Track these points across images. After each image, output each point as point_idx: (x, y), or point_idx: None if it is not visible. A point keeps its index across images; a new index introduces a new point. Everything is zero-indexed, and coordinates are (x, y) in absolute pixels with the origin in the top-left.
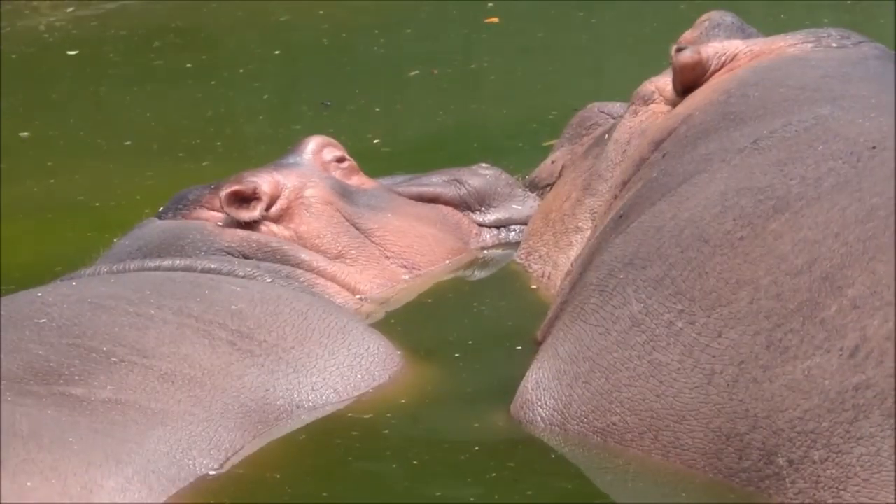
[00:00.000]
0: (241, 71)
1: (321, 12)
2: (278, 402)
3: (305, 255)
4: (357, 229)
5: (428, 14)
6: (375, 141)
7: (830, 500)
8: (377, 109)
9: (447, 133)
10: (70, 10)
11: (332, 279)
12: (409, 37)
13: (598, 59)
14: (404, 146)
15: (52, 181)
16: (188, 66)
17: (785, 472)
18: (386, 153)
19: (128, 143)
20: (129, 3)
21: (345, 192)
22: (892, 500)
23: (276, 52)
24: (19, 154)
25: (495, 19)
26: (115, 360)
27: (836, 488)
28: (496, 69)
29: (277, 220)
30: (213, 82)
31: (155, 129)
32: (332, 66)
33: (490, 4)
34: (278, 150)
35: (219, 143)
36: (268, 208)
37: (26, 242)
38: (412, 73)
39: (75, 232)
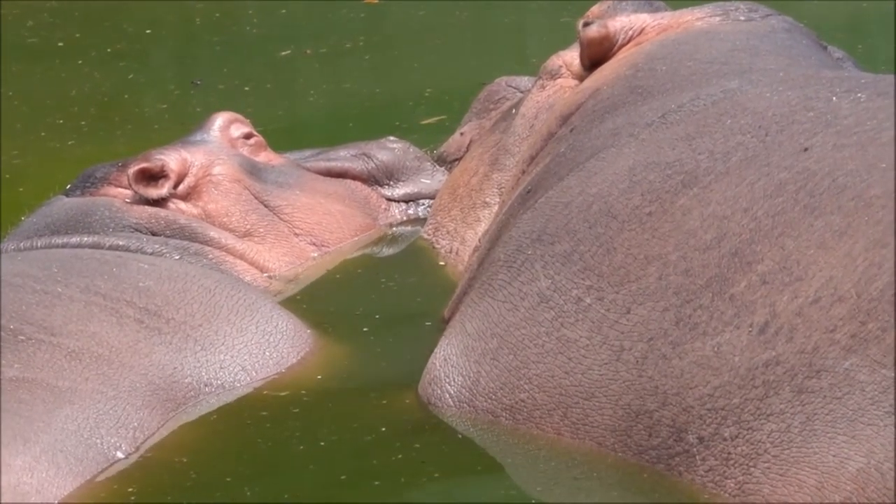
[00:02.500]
0: (109, 50)
1: None
2: (186, 380)
3: (214, 233)
4: (265, 207)
5: None
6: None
7: (741, 477)
8: (246, 89)
9: (319, 113)
10: None
11: (241, 256)
12: (284, 17)
13: (477, 39)
14: (275, 125)
15: None
16: (59, 44)
17: (695, 449)
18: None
19: None
20: None
21: (253, 170)
22: (804, 478)
23: (147, 31)
24: None
25: (374, 0)
26: (21, 338)
27: (747, 465)
28: (371, 49)
29: (185, 197)
30: (79, 61)
31: (19, 108)
32: (202, 45)
33: None
34: (144, 129)
35: (83, 123)
36: (175, 186)
37: None
38: (284, 53)
39: None
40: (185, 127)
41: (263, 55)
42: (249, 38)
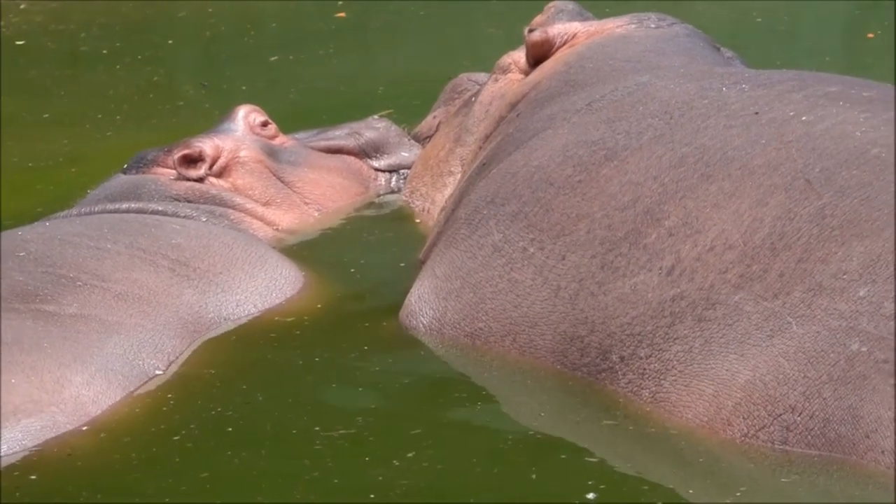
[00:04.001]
0: (139, 57)
1: (210, 10)
2: (209, 316)
3: (239, 200)
4: (281, 181)
5: (291, 11)
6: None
7: (653, 388)
8: (244, 88)
9: (300, 107)
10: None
11: (260, 219)
12: (273, 30)
13: (416, 46)
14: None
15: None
16: (104, 52)
17: (617, 366)
18: None
19: (46, 115)
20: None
21: (270, 152)
22: (703, 388)
23: (169, 42)
24: None
25: (343, 14)
26: (79, 283)
27: (658, 379)
28: (339, 55)
29: (218, 175)
30: (117, 66)
31: (68, 105)
32: (210, 54)
33: (340, 3)
34: (165, 121)
35: (118, 117)
36: (210, 167)
37: None
38: (272, 59)
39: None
40: (197, 120)
41: (256, 61)
42: (246, 48)
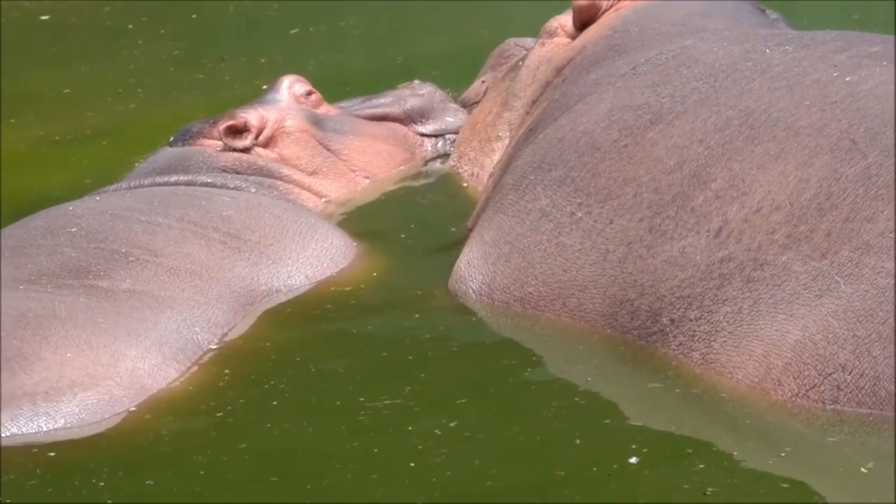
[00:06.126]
0: (162, 31)
1: None
2: (261, 288)
3: (286, 170)
4: (328, 150)
5: None
6: (263, 87)
7: (703, 350)
8: (263, 61)
9: (319, 79)
10: None
11: (308, 189)
12: (294, 3)
13: (430, 15)
14: None
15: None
16: (129, 26)
17: (668, 328)
18: None
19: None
20: None
21: (316, 121)
22: (753, 349)
23: (193, 16)
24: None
25: None
26: (131, 258)
27: (708, 340)
28: (358, 27)
29: (265, 146)
30: (139, 41)
31: (91, 80)
32: (230, 27)
33: None
34: (185, 94)
35: (140, 90)
36: (256, 137)
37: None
38: (293, 31)
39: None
40: (217, 91)
41: (276, 34)
42: (266, 21)
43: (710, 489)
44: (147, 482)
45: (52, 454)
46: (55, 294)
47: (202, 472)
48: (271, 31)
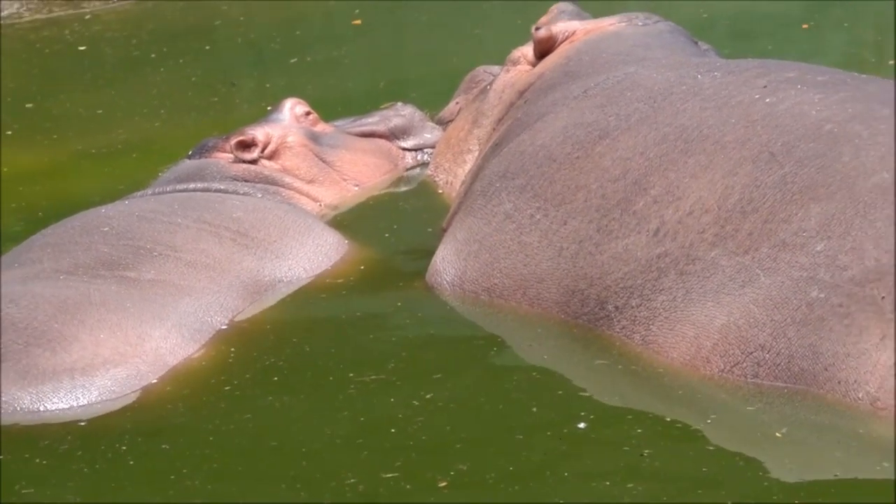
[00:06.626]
0: (181, 61)
1: (241, 19)
2: (266, 279)
3: (288, 179)
4: (323, 162)
5: (312, 19)
6: (268, 108)
7: (643, 332)
8: (267, 86)
9: (316, 101)
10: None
11: (305, 195)
12: (296, 36)
13: (411, 46)
14: None
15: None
16: (152, 56)
17: (613, 314)
18: None
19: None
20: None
21: (313, 137)
22: (685, 331)
23: (206, 48)
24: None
25: (359, 21)
26: (155, 253)
27: (647, 324)
28: (351, 56)
29: (270, 158)
30: (161, 69)
31: (121, 102)
32: (239, 57)
33: (356, 10)
34: (202, 115)
35: (162, 111)
36: (262, 151)
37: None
38: (292, 61)
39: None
40: (229, 113)
41: (279, 62)
42: (270, 52)
43: (646, 451)
44: (163, 446)
45: (82, 423)
46: (90, 283)
47: (211, 438)
48: (275, 60)
